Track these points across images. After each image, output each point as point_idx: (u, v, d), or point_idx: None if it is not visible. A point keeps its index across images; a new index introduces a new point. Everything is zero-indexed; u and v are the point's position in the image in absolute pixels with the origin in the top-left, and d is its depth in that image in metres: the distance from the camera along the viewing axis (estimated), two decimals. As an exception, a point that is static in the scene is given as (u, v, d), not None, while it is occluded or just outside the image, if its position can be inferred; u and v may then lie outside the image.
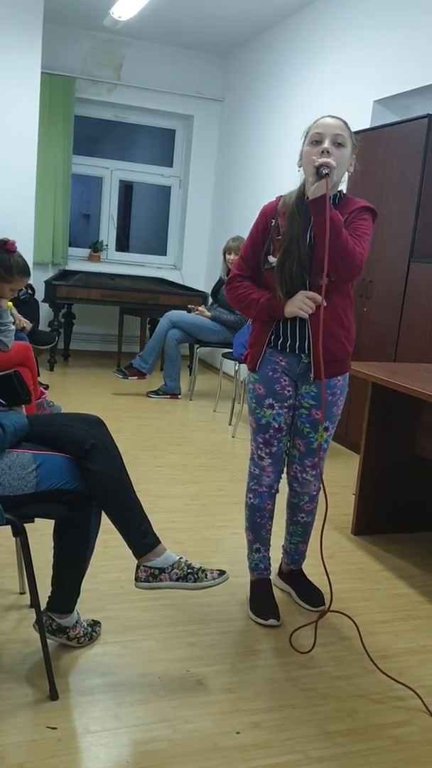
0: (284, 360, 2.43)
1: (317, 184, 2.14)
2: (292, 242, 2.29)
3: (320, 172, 2.14)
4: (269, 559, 2.65)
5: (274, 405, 2.44)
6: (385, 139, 4.36)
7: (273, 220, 2.35)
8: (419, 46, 4.39)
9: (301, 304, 2.27)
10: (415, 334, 4.10)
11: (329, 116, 2.29)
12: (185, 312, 6.06)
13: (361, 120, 4.93)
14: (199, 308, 6.03)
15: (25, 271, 3.05)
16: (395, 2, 4.63)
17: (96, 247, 7.66)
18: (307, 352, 2.39)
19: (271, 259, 2.34)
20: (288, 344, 2.40)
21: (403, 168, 4.19)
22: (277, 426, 2.46)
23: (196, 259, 7.95)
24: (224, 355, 5.47)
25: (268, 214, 2.38)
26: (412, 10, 4.47)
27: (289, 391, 2.45)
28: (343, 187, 2.42)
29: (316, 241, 2.23)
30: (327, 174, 2.13)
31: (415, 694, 2.15)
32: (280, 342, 2.41)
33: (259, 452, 2.51)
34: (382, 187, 4.38)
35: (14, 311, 4.72)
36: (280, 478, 2.57)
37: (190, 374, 6.28)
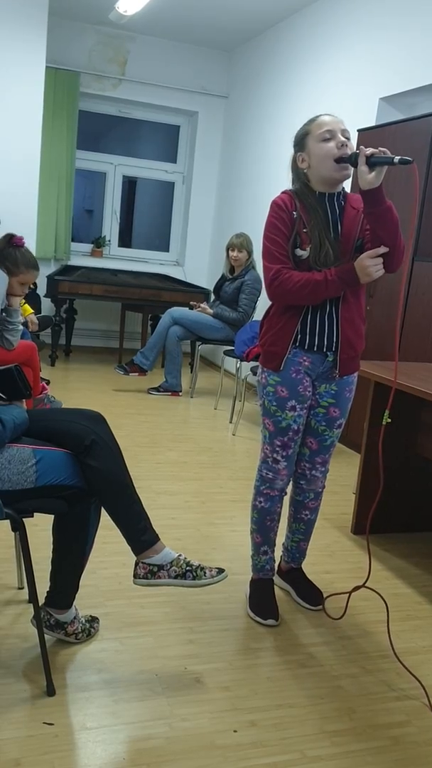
0: (308, 359, 2.38)
1: (374, 173, 2.11)
2: (322, 236, 2.27)
3: (372, 161, 2.10)
4: (274, 560, 2.64)
5: (296, 407, 2.39)
6: (391, 137, 4.34)
7: (294, 212, 2.30)
8: (425, 44, 4.37)
9: (375, 267, 2.21)
10: (418, 334, 4.09)
11: (327, 114, 2.30)
12: (187, 309, 6.04)
13: (366, 118, 4.91)
14: (201, 305, 6.02)
15: (32, 264, 3.02)
16: (400, 1, 4.61)
17: (99, 243, 7.65)
18: (334, 349, 2.37)
19: (300, 252, 2.29)
20: (315, 342, 2.36)
21: (408, 166, 4.15)
22: (296, 428, 2.42)
23: (198, 255, 7.93)
24: (226, 353, 5.46)
25: (290, 206, 2.30)
26: (418, 8, 4.45)
27: (309, 392, 2.42)
28: (345, 185, 2.41)
29: (376, 231, 2.20)
30: (388, 162, 2.09)
31: (413, 695, 2.14)
32: (307, 341, 2.36)
33: (274, 455, 2.46)
34: (386, 185, 4.35)
35: (31, 316, 4.73)
36: (290, 479, 2.56)
37: (192, 371, 6.27)
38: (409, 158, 2.06)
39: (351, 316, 2.36)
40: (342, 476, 4.19)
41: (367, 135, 4.58)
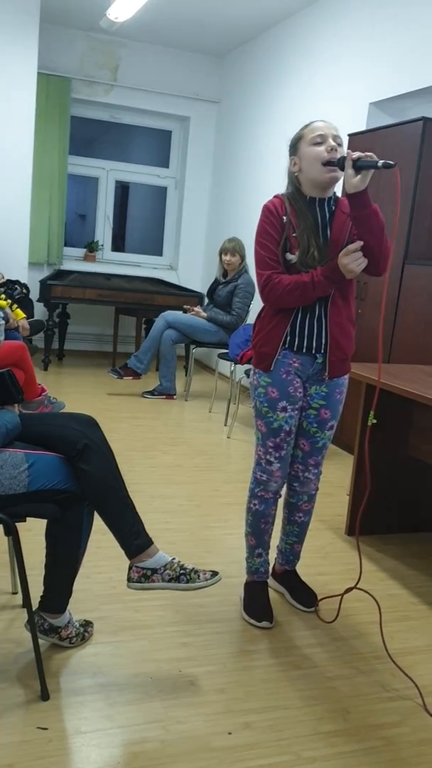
0: (298, 361, 2.40)
1: (360, 177, 2.14)
2: (310, 241, 2.30)
3: (358, 165, 2.13)
4: (269, 562, 2.65)
5: (287, 408, 2.41)
6: (381, 142, 4.37)
7: (284, 218, 2.33)
8: (415, 49, 4.39)
9: (355, 263, 2.24)
10: (409, 336, 4.10)
11: (320, 120, 2.36)
12: (181, 312, 6.06)
13: (357, 122, 4.94)
14: (195, 309, 6.03)
15: None
16: (391, 6, 4.64)
17: (92, 247, 7.66)
18: (323, 351, 2.39)
19: (289, 256, 2.32)
20: (304, 344, 2.38)
21: (399, 170, 4.18)
22: (288, 429, 2.44)
23: (192, 259, 7.95)
24: (220, 356, 5.47)
25: (280, 211, 2.34)
26: (407, 14, 4.48)
27: (300, 393, 2.44)
28: (336, 189, 2.44)
29: (363, 234, 2.22)
30: (373, 166, 2.12)
31: (407, 695, 2.15)
32: (296, 343, 2.38)
33: (267, 457, 2.47)
34: (377, 190, 4.38)
35: (23, 321, 4.73)
36: (285, 482, 2.57)
37: (186, 375, 6.28)
38: (392, 162, 2.09)
39: (339, 318, 2.38)
40: (336, 478, 4.20)
41: (357, 139, 4.61)
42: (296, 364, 2.40)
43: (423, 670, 2.31)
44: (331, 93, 5.35)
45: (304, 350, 2.39)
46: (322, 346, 2.39)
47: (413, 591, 2.88)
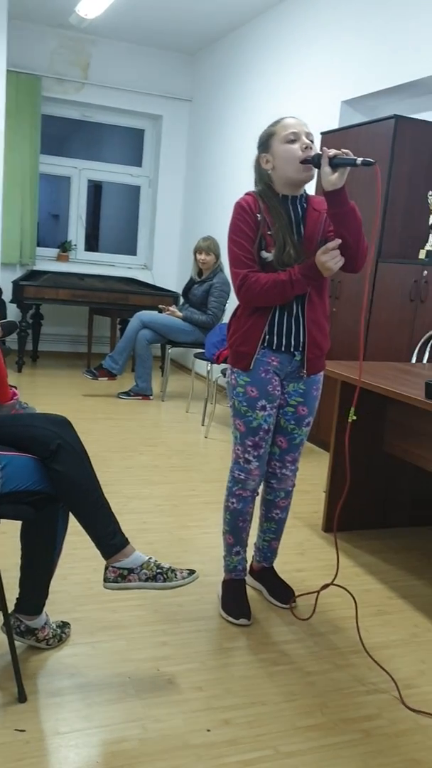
0: (276, 359, 2.40)
1: (337, 174, 2.15)
2: (285, 239, 2.30)
3: (335, 162, 2.14)
4: (246, 560, 2.65)
5: (266, 407, 2.42)
6: (353, 140, 4.39)
7: (258, 215, 2.32)
8: (386, 48, 4.43)
9: (332, 261, 2.24)
10: (383, 334, 4.14)
11: (291, 117, 2.34)
12: (156, 312, 6.04)
13: (329, 120, 4.96)
14: (170, 308, 6.02)
15: None
16: (362, 4, 4.67)
17: (65, 247, 7.62)
18: (301, 348, 2.40)
19: (265, 254, 2.32)
20: (283, 342, 2.39)
21: (370, 168, 4.21)
22: (266, 427, 2.44)
23: (166, 258, 7.94)
24: (196, 356, 5.46)
25: (254, 209, 2.32)
26: (379, 13, 4.51)
27: (278, 391, 2.44)
28: (310, 187, 2.45)
29: (338, 231, 2.23)
30: (351, 163, 2.13)
31: (383, 689, 2.17)
32: (274, 341, 2.38)
33: (246, 456, 2.47)
34: (350, 188, 4.41)
35: None
36: (263, 480, 2.58)
37: (162, 375, 6.27)
38: (372, 160, 2.10)
39: (316, 316, 2.39)
40: (312, 475, 4.22)
41: (330, 137, 4.63)
42: (275, 363, 2.41)
43: (399, 663, 2.34)
44: (304, 91, 5.37)
45: (283, 348, 2.39)
46: (300, 344, 2.40)
47: (389, 586, 2.91)
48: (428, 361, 3.74)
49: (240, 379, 2.42)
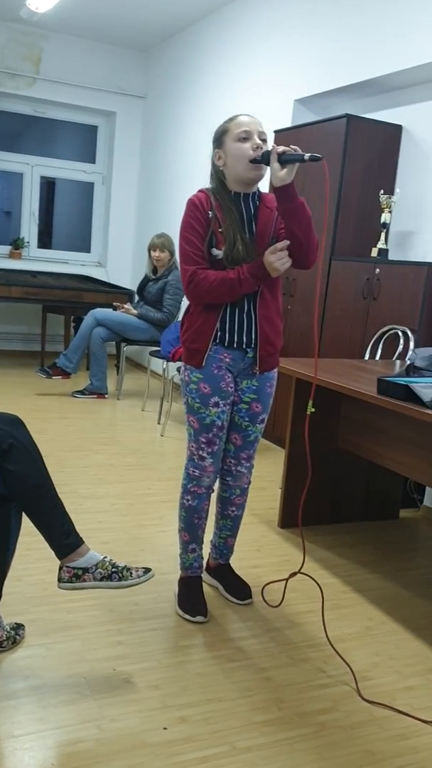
0: (229, 356, 2.41)
1: (286, 170, 2.15)
2: (236, 236, 2.30)
3: (285, 158, 2.15)
4: (202, 557, 2.65)
5: (219, 403, 2.42)
6: (306, 138, 4.43)
7: (210, 212, 2.34)
8: (339, 47, 4.47)
9: (279, 262, 2.26)
10: (337, 331, 4.18)
11: (245, 115, 2.36)
12: (110, 310, 6.00)
13: (282, 118, 4.99)
14: (125, 306, 5.98)
15: None
16: (315, 4, 4.71)
17: (17, 244, 7.51)
18: (253, 345, 2.41)
19: (215, 251, 2.33)
20: (235, 339, 2.39)
21: (322, 165, 4.25)
22: (220, 424, 2.45)
23: (121, 256, 7.89)
24: (152, 354, 5.44)
25: (205, 206, 2.34)
26: (331, 13, 4.55)
27: (231, 387, 2.45)
28: (263, 185, 2.46)
29: (291, 227, 2.24)
30: (299, 159, 2.14)
31: (339, 682, 2.20)
32: (227, 338, 2.39)
33: (200, 452, 2.47)
34: (304, 186, 4.45)
35: None
36: (217, 477, 2.58)
37: (117, 373, 6.23)
38: (319, 155, 2.12)
39: (268, 313, 2.41)
40: (268, 472, 4.25)
41: (283, 135, 4.66)
42: (227, 359, 2.42)
43: (354, 656, 2.37)
44: (257, 89, 5.39)
45: (235, 345, 2.40)
46: (253, 341, 2.41)
47: (344, 580, 2.94)
48: (381, 357, 3.79)
49: (193, 376, 2.43)
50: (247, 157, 2.27)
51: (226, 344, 2.40)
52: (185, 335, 2.45)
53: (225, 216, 2.32)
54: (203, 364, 2.40)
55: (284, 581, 2.63)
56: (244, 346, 2.41)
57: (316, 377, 2.57)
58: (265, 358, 2.44)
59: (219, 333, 2.39)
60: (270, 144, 2.32)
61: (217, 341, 2.40)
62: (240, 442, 2.54)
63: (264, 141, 2.31)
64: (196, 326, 2.40)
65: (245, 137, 2.29)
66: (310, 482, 3.37)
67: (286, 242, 2.26)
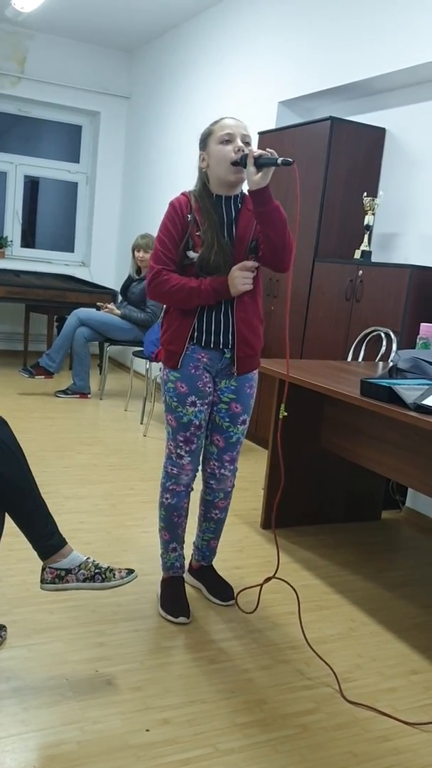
0: (206, 356, 2.42)
1: (261, 174, 2.17)
2: (214, 239, 2.32)
3: (262, 161, 2.17)
4: (184, 557, 2.65)
5: (196, 402, 2.43)
6: (290, 140, 4.45)
7: (189, 215, 2.35)
8: (323, 50, 4.49)
9: (243, 281, 2.30)
10: (320, 332, 4.20)
11: (230, 117, 2.37)
12: (94, 310, 5.98)
13: (266, 120, 5.00)
14: (108, 306, 5.96)
15: None
16: (300, 7, 4.72)
17: (0, 243, 7.46)
18: (230, 346, 2.42)
19: (191, 254, 2.34)
20: (212, 340, 2.40)
21: (307, 169, 4.28)
22: (197, 423, 2.45)
23: (104, 256, 7.87)
24: (135, 354, 5.43)
25: (184, 209, 2.36)
26: (316, 15, 4.57)
27: (209, 387, 2.46)
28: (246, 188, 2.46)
29: (266, 231, 2.25)
30: (273, 163, 2.16)
31: (321, 683, 2.20)
32: (203, 338, 2.41)
33: (178, 451, 2.48)
34: (288, 188, 4.47)
35: None
36: (196, 475, 2.58)
37: (100, 373, 6.21)
38: (290, 159, 2.14)
39: (246, 315, 2.41)
40: (251, 473, 4.25)
41: (267, 137, 4.67)
42: (205, 359, 2.43)
43: (336, 657, 2.37)
44: (242, 91, 5.40)
45: (212, 345, 2.41)
46: (230, 342, 2.42)
47: (326, 581, 2.95)
48: (364, 359, 3.81)
49: (171, 375, 2.45)
50: (228, 159, 2.29)
51: (203, 344, 2.41)
52: (163, 336, 2.47)
53: (204, 219, 2.34)
54: (179, 366, 2.42)
55: (259, 586, 2.62)
56: (221, 347, 2.42)
57: (288, 375, 2.58)
58: (243, 359, 2.44)
59: (196, 333, 2.41)
60: (254, 148, 2.33)
61: (194, 341, 2.41)
62: (222, 444, 2.54)
63: (247, 144, 2.32)
64: (173, 328, 2.43)
65: (228, 140, 2.30)
66: (291, 483, 3.39)
67: (255, 264, 2.32)
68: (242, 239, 2.36)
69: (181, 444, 2.47)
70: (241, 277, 2.30)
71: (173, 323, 2.43)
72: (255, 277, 2.38)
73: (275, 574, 2.53)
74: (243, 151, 2.28)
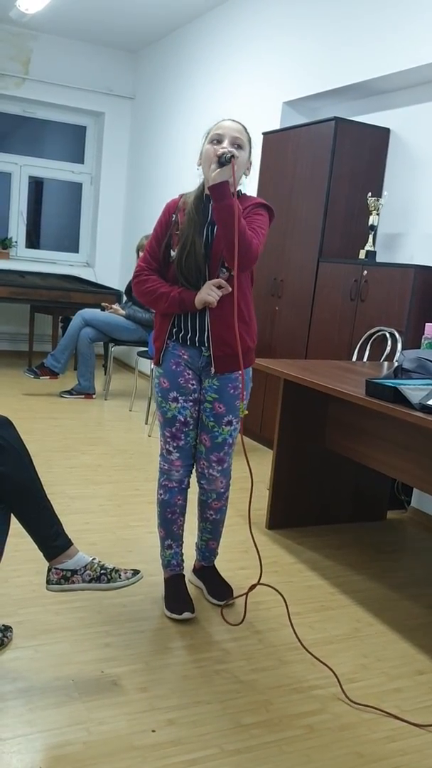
0: (186, 353, 2.45)
1: (221, 170, 2.19)
2: (188, 238, 2.35)
3: (223, 160, 2.19)
4: (182, 555, 2.65)
5: (178, 398, 2.46)
6: (294, 141, 4.44)
7: (174, 215, 2.41)
8: (327, 50, 4.49)
9: (208, 292, 2.32)
10: (324, 332, 4.19)
11: (229, 119, 2.39)
12: (98, 310, 5.99)
13: (270, 121, 5.00)
14: (113, 306, 5.97)
15: None
16: (304, 7, 4.72)
17: (5, 244, 7.48)
18: (207, 344, 2.42)
19: (173, 253, 2.39)
20: (189, 337, 2.43)
21: (312, 169, 4.28)
22: (183, 420, 2.47)
23: (109, 256, 7.87)
24: (139, 354, 5.44)
25: (171, 209, 2.44)
26: (320, 15, 4.56)
27: (193, 384, 2.47)
28: (252, 188, 2.47)
29: (217, 228, 2.28)
30: (231, 158, 2.18)
31: (326, 684, 2.20)
32: (181, 335, 2.44)
33: (167, 446, 2.52)
34: (292, 188, 4.46)
35: None
36: (191, 473, 2.59)
37: (105, 373, 6.22)
38: (229, 157, 2.18)
39: (223, 313, 2.37)
40: (257, 473, 4.25)
41: (271, 138, 4.67)
42: (185, 356, 2.46)
43: (342, 658, 2.37)
44: (246, 91, 5.40)
45: (189, 343, 2.44)
46: (206, 340, 2.42)
47: (331, 582, 2.95)
48: (368, 359, 3.81)
49: (156, 371, 2.52)
50: (211, 158, 2.28)
51: (182, 341, 2.45)
52: (153, 333, 2.55)
53: (184, 220, 2.37)
54: (160, 361, 2.48)
55: (244, 595, 2.59)
56: (197, 345, 2.44)
57: (242, 372, 2.58)
58: (221, 359, 2.42)
59: (175, 329, 2.45)
60: (248, 151, 2.35)
61: (174, 337, 2.46)
62: (209, 443, 2.53)
63: (239, 147, 2.32)
64: (159, 325, 2.50)
65: (217, 140, 2.32)
66: (297, 484, 3.39)
67: (226, 286, 2.32)
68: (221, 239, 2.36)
69: (168, 440, 2.51)
70: (207, 289, 2.32)
71: (158, 320, 2.50)
72: (242, 277, 2.38)
73: (259, 580, 2.51)
74: (226, 151, 2.25)
